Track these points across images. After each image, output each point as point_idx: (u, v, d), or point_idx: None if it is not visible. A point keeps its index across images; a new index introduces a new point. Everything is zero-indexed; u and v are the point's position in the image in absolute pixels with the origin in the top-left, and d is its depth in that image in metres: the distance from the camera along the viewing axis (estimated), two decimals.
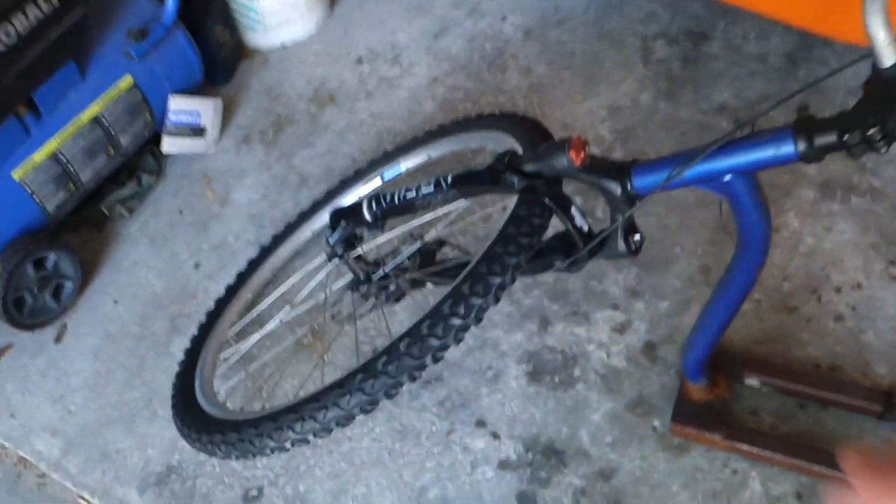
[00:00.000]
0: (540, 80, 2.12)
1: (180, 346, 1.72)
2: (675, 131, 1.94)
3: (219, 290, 1.78)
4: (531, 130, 1.42)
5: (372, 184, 1.75)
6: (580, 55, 2.16)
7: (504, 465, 1.49)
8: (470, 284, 1.12)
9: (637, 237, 1.16)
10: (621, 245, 1.15)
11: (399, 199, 1.33)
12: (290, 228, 1.80)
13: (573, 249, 1.18)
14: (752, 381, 1.51)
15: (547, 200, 1.12)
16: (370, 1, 2.44)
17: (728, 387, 1.49)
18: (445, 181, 1.25)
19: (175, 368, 1.62)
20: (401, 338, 1.12)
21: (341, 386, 1.13)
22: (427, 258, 1.47)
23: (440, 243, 1.51)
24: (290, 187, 2.00)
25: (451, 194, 1.25)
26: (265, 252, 1.78)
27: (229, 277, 1.80)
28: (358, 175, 1.78)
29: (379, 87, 2.18)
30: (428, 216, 1.60)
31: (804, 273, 1.65)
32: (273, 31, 2.29)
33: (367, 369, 1.12)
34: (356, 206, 1.43)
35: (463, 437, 1.53)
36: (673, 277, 1.68)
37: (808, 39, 2.02)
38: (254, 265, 1.77)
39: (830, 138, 0.92)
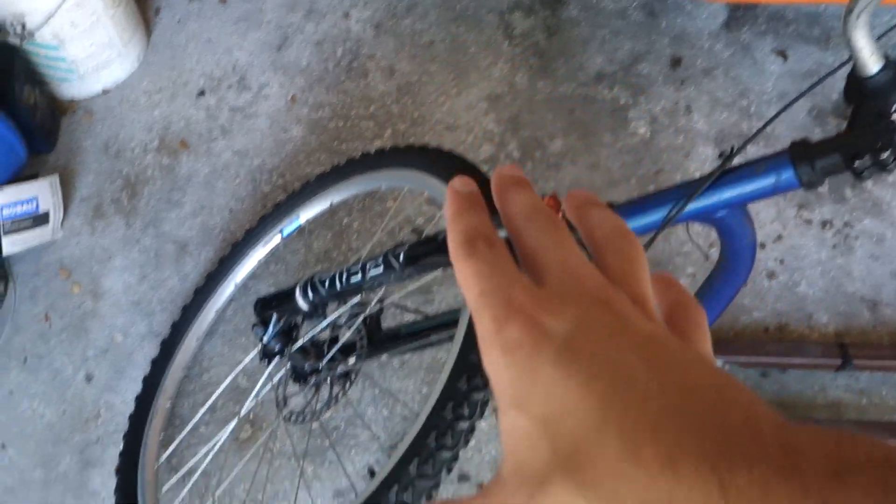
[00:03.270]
0: (407, 80, 1.97)
1: (100, 480, 1.48)
2: (563, 110, 1.87)
3: (126, 402, 1.54)
4: (450, 164, 1.29)
5: (272, 243, 1.56)
6: (441, 43, 2.03)
7: None
8: (467, 378, 1.00)
9: None
10: None
11: (341, 283, 1.17)
12: (190, 311, 1.58)
13: None
14: (717, 362, 1.51)
15: None
16: (190, 19, 2.16)
17: None
18: (397, 258, 1.11)
19: None
20: (407, 457, 0.99)
21: None
22: (373, 328, 1.32)
23: (380, 303, 1.36)
24: (168, 260, 1.75)
25: (406, 273, 1.11)
26: (168, 346, 1.55)
27: (134, 385, 1.55)
28: (252, 235, 1.58)
29: (233, 120, 1.95)
30: None
31: None
32: (90, 78, 1.98)
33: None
34: (286, 295, 1.26)
35: (446, 495, 1.43)
36: None
37: None
38: (160, 365, 1.53)
39: (834, 161, 0.87)
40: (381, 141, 1.87)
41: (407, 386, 1.53)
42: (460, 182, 0.35)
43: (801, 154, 0.88)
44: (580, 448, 0.25)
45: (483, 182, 1.20)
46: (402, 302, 1.43)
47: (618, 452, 0.24)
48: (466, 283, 0.31)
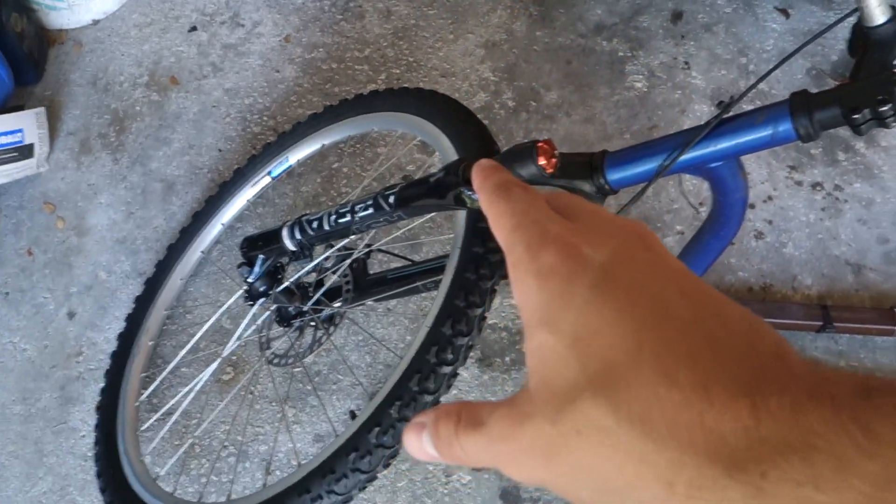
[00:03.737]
0: (404, 23, 1.93)
1: (80, 417, 1.48)
2: (560, 61, 1.85)
3: (108, 340, 1.53)
4: (446, 110, 1.27)
5: (260, 184, 1.54)
6: None
7: None
8: (451, 323, 1.00)
9: None
10: None
11: (330, 223, 1.16)
12: (175, 251, 1.56)
13: None
14: None
15: None
16: None
17: None
18: (387, 201, 1.09)
19: (81, 444, 1.39)
20: (388, 400, 0.99)
21: (331, 472, 0.99)
22: (360, 272, 1.31)
23: (368, 248, 1.35)
24: (155, 198, 1.73)
25: (395, 216, 1.10)
26: (152, 285, 1.54)
27: (116, 323, 1.55)
28: (241, 175, 1.56)
29: (225, 58, 1.91)
30: None
31: None
32: (80, 7, 1.93)
33: (359, 446, 0.99)
34: (273, 234, 1.24)
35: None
36: None
37: None
38: (143, 303, 1.52)
39: (833, 114, 0.85)
40: (374, 85, 1.84)
41: (391, 333, 1.52)
42: (486, 160, 0.38)
43: (800, 105, 0.87)
44: (613, 368, 0.25)
45: (483, 134, 1.17)
46: (389, 248, 1.42)
47: (652, 375, 0.25)
48: (500, 221, 0.32)
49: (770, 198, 1.65)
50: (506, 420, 0.28)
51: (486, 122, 1.74)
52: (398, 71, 1.86)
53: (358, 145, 1.75)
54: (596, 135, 1.74)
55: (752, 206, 1.64)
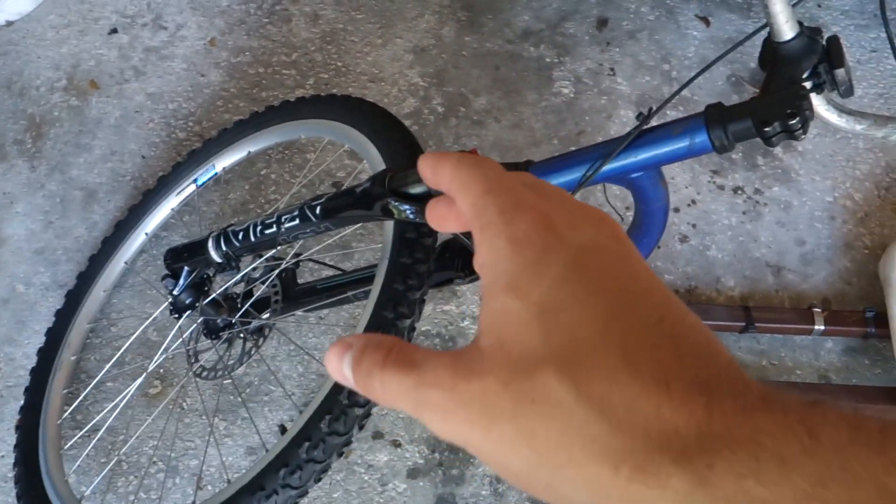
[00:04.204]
0: (332, 27, 1.91)
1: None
2: (488, 66, 1.86)
3: (28, 355, 1.48)
4: (372, 118, 1.27)
5: (186, 192, 1.51)
6: None
7: (414, 472, 1.42)
8: (381, 334, 0.99)
9: None
10: None
11: (256, 235, 1.14)
12: (97, 262, 1.52)
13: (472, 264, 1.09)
14: None
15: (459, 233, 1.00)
16: None
17: None
18: (313, 212, 1.08)
19: (0, 465, 1.34)
20: (318, 414, 0.99)
21: (261, 489, 0.98)
22: (289, 283, 1.30)
23: (296, 257, 1.33)
24: (75, 207, 1.67)
25: (322, 226, 1.09)
26: (74, 297, 1.49)
27: (36, 337, 1.49)
28: (165, 183, 1.52)
29: (148, 61, 1.86)
30: None
31: None
32: None
33: (289, 461, 0.98)
34: (198, 246, 1.22)
35: (363, 455, 1.43)
36: None
37: None
38: (65, 317, 1.47)
39: (745, 126, 0.88)
40: (302, 90, 1.82)
41: (323, 343, 1.51)
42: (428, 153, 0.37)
43: (715, 118, 0.89)
44: (579, 346, 0.26)
45: (410, 144, 1.17)
46: (319, 257, 1.41)
47: (617, 360, 0.25)
48: (469, 184, 0.32)
49: (694, 202, 1.69)
50: (447, 370, 0.28)
51: (415, 127, 1.75)
52: (327, 76, 1.84)
53: (286, 151, 1.72)
54: (525, 140, 1.76)
55: (677, 210, 1.69)
